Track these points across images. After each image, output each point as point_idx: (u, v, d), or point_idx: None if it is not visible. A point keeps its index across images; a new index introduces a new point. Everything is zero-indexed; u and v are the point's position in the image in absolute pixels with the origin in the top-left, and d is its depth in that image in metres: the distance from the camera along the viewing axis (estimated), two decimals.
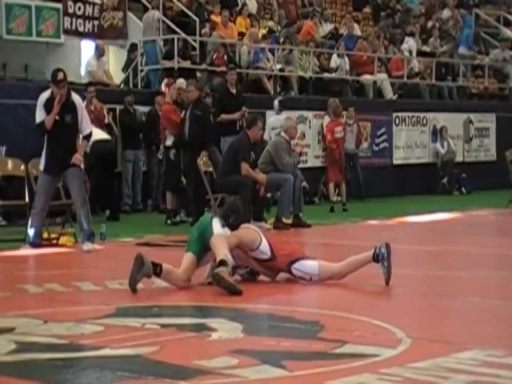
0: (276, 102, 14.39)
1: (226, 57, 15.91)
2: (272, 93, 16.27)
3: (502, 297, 6.40)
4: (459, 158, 19.17)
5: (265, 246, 6.83)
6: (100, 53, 14.88)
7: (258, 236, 6.88)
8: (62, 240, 9.69)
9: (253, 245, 6.81)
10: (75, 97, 9.11)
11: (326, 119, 15.93)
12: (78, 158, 8.94)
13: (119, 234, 10.50)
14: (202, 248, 6.73)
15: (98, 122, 12.51)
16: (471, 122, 19.81)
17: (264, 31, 17.70)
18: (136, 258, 6.48)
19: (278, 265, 6.87)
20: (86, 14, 15.07)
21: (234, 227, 6.88)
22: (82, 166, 9.36)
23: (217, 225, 6.79)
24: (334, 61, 18.01)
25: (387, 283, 6.58)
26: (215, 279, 6.38)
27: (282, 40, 17.51)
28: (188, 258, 6.75)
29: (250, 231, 6.95)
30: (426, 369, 4.17)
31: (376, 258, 6.68)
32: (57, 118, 8.83)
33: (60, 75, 8.79)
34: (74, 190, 9.11)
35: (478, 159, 19.94)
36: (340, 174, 14.74)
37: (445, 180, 18.46)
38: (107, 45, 15.59)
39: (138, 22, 15.86)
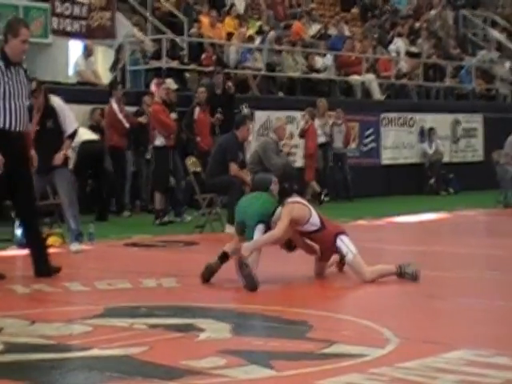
0: (245, 110, 14.33)
1: (214, 57, 15.95)
2: (258, 93, 16.29)
3: (490, 297, 6.43)
4: (446, 159, 19.24)
5: (315, 217, 6.94)
6: (88, 53, 14.86)
7: (308, 209, 6.97)
8: (50, 240, 9.64)
9: (304, 219, 6.90)
10: (54, 100, 9.05)
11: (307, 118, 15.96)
12: (59, 158, 8.86)
13: (107, 234, 10.48)
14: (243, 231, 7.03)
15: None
16: (458, 122, 19.88)
17: (252, 31, 17.72)
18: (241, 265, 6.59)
19: (326, 234, 6.95)
20: (74, 14, 15.03)
21: (287, 192, 7.02)
22: (71, 166, 9.33)
23: (258, 233, 6.92)
24: (320, 61, 18.04)
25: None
26: (241, 264, 6.51)
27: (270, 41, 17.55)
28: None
29: (300, 206, 6.98)
30: (414, 369, 4.18)
31: (400, 275, 6.86)
32: (37, 127, 8.80)
33: (32, 85, 8.69)
34: (61, 191, 9.08)
35: (465, 159, 20.01)
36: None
37: (432, 180, 18.52)
38: (95, 45, 15.55)
39: (126, 23, 15.83)
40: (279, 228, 6.76)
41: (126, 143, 13.51)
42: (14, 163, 7.10)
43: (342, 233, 7.02)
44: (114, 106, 13.30)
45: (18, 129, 7.11)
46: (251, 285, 6.45)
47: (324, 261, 7.22)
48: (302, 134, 15.74)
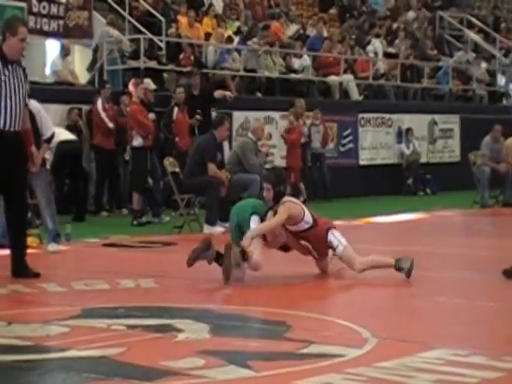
0: (213, 114, 14.30)
1: (192, 57, 15.93)
2: (236, 93, 16.29)
3: (467, 296, 6.47)
4: (424, 159, 19.33)
5: (308, 215, 7.14)
6: (65, 52, 14.80)
7: (301, 207, 7.18)
8: (27, 241, 9.59)
9: (299, 217, 7.08)
10: (31, 103, 8.97)
11: (291, 119, 16.00)
12: (35, 166, 8.68)
13: (85, 234, 10.43)
14: (240, 235, 7.03)
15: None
16: (436, 123, 19.99)
17: (230, 32, 17.71)
18: (204, 241, 6.82)
19: (319, 230, 7.13)
20: (51, 13, 14.96)
21: (281, 196, 7.17)
22: (48, 166, 9.27)
23: (253, 224, 7.04)
24: (297, 62, 18.07)
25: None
26: (226, 250, 6.74)
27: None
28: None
29: (295, 205, 7.18)
30: (392, 368, 4.20)
31: (397, 269, 6.98)
32: None
33: None
34: (39, 191, 9.03)
35: (442, 160, 20.11)
36: None
37: (410, 181, 18.60)
38: (72, 44, 15.49)
39: (104, 22, 15.78)
40: (277, 219, 6.96)
41: (112, 143, 13.45)
42: (10, 162, 7.07)
43: (333, 227, 7.23)
44: (99, 105, 13.29)
45: (13, 128, 7.07)
46: (226, 273, 6.72)
47: (322, 257, 7.34)
48: (286, 137, 15.76)
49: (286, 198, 7.21)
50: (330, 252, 7.31)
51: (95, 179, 13.65)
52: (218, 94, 14.52)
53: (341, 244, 7.10)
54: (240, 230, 7.13)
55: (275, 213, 7.07)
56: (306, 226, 7.12)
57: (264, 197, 7.33)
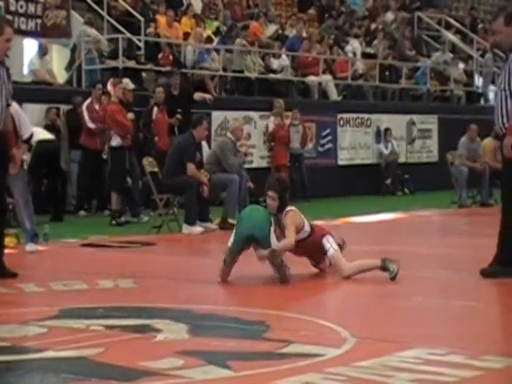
0: (178, 116, 14.26)
1: (171, 57, 15.90)
2: (214, 93, 16.29)
3: (445, 296, 6.50)
4: (402, 159, 19.41)
5: (307, 224, 7.18)
6: (43, 51, 14.72)
7: (302, 216, 7.21)
8: (5, 241, 9.53)
9: (300, 226, 7.11)
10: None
11: (272, 120, 16.03)
12: (15, 168, 8.62)
13: (63, 234, 10.38)
14: (247, 247, 6.94)
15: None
16: (414, 123, 20.08)
17: (209, 31, 17.70)
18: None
19: (315, 237, 7.15)
20: (29, 12, 14.86)
21: (286, 204, 7.12)
22: (25, 166, 9.21)
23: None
24: (276, 62, 18.09)
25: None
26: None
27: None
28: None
29: (297, 214, 7.17)
30: (370, 368, 4.21)
31: (383, 269, 7.01)
32: None
33: None
34: (16, 191, 8.97)
35: (420, 160, 20.21)
36: None
37: (388, 181, 18.67)
38: (50, 43, 15.40)
39: (82, 21, 15.71)
40: (290, 237, 6.93)
41: (96, 143, 13.38)
42: None
43: (328, 234, 7.27)
44: (84, 104, 13.28)
45: None
46: (284, 278, 6.74)
47: (319, 264, 7.39)
48: (273, 138, 15.77)
49: (288, 208, 7.13)
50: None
51: (77, 178, 13.60)
52: (197, 96, 14.54)
53: (332, 248, 7.15)
54: (253, 242, 6.91)
55: (278, 223, 7.05)
56: (305, 235, 7.13)
57: (268, 205, 7.15)
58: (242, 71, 17.03)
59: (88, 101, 13.41)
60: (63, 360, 4.42)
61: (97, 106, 13.31)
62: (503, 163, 7.22)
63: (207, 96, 14.76)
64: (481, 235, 11.23)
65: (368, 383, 3.97)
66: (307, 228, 7.18)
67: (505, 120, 6.90)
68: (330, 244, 7.18)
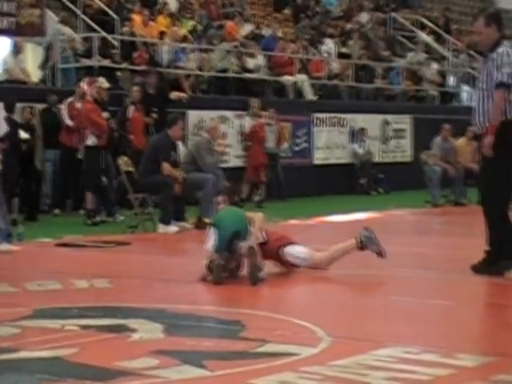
0: (154, 115, 14.24)
1: (146, 56, 15.86)
2: (190, 93, 16.28)
3: (419, 295, 6.54)
4: (377, 159, 19.49)
5: (264, 233, 7.17)
6: (17, 50, 14.60)
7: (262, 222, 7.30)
8: None
9: (262, 228, 7.21)
10: None
11: (248, 119, 16.03)
12: None
13: (37, 234, 10.32)
14: (232, 248, 6.94)
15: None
16: (388, 123, 20.18)
17: (185, 31, 17.67)
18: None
19: (269, 249, 7.09)
20: (3, 10, 14.72)
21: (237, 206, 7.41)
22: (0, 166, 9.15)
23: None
24: (251, 62, 18.10)
25: (382, 255, 7.11)
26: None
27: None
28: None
29: (259, 214, 7.40)
30: (346, 366, 4.23)
31: (362, 246, 7.08)
32: None
33: None
34: None
35: (394, 160, 20.30)
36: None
37: (363, 180, 18.74)
38: (24, 42, 15.29)
39: (56, 20, 15.62)
40: (260, 218, 7.20)
41: (72, 141, 13.30)
42: None
43: (286, 244, 7.17)
44: (65, 103, 13.23)
45: None
46: (254, 279, 6.71)
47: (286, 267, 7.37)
48: (251, 137, 15.78)
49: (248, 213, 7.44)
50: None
51: (58, 177, 13.51)
52: (173, 95, 14.53)
53: (303, 259, 7.11)
54: (236, 239, 6.97)
55: None
56: (261, 240, 7.12)
57: (219, 210, 7.38)
58: (225, 71, 17.04)
59: (70, 98, 13.32)
60: (38, 360, 4.40)
61: (79, 105, 13.23)
62: (482, 163, 7.27)
63: (183, 95, 14.74)
64: (454, 234, 11.33)
65: (343, 382, 3.99)
66: (263, 234, 7.16)
67: (485, 119, 6.96)
68: (297, 255, 7.11)
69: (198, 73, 16.70)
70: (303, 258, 7.11)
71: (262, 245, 7.07)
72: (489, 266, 7.06)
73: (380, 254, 7.14)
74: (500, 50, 6.99)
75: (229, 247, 6.92)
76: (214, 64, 17.11)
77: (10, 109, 11.75)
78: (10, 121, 11.58)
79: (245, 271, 7.08)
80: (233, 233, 6.96)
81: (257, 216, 7.28)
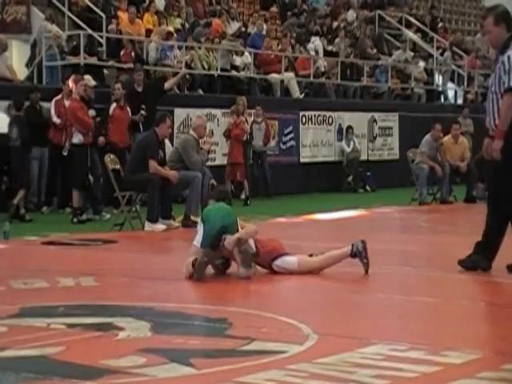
0: (143, 113, 14.22)
1: (133, 53, 15.82)
2: (178, 91, 16.25)
3: (406, 292, 6.57)
4: (364, 157, 19.53)
5: (251, 240, 7.10)
6: (2, 48, 14.53)
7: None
8: None
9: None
10: None
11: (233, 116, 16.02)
12: None
13: (24, 232, 10.28)
14: (218, 242, 6.93)
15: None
16: (375, 121, 20.22)
17: (172, 28, 17.63)
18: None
19: (261, 262, 7.12)
20: None
21: None
22: None
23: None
24: (238, 60, 18.10)
25: (367, 272, 7.09)
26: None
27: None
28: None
29: (253, 226, 7.39)
30: (332, 364, 4.24)
31: (353, 255, 7.10)
32: None
33: None
34: None
35: (381, 158, 20.35)
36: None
37: (350, 178, 18.78)
38: (10, 39, 15.23)
39: (43, 17, 15.56)
40: (250, 226, 7.28)
41: (58, 138, 13.25)
42: None
43: (276, 257, 7.14)
44: (52, 102, 13.18)
45: None
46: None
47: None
48: (228, 134, 15.76)
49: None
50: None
51: (46, 174, 13.47)
52: (168, 84, 14.56)
53: (292, 270, 7.08)
54: (224, 234, 6.94)
55: None
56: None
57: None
58: (227, 70, 17.10)
59: (58, 96, 13.28)
60: (24, 359, 4.39)
61: (66, 103, 13.18)
62: (492, 165, 7.16)
63: (177, 78, 14.92)
64: (441, 232, 11.37)
65: (330, 379, 4.00)
66: (252, 244, 7.09)
67: (495, 121, 6.94)
68: (287, 267, 7.09)
69: (188, 71, 16.65)
70: (293, 269, 7.11)
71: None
72: (469, 256, 7.09)
73: (366, 271, 7.11)
74: (510, 52, 6.85)
75: (215, 242, 6.90)
76: (213, 63, 17.12)
77: (18, 108, 12.30)
78: (19, 120, 11.80)
79: (232, 268, 7.08)
80: (220, 227, 6.96)
81: (249, 227, 7.27)
